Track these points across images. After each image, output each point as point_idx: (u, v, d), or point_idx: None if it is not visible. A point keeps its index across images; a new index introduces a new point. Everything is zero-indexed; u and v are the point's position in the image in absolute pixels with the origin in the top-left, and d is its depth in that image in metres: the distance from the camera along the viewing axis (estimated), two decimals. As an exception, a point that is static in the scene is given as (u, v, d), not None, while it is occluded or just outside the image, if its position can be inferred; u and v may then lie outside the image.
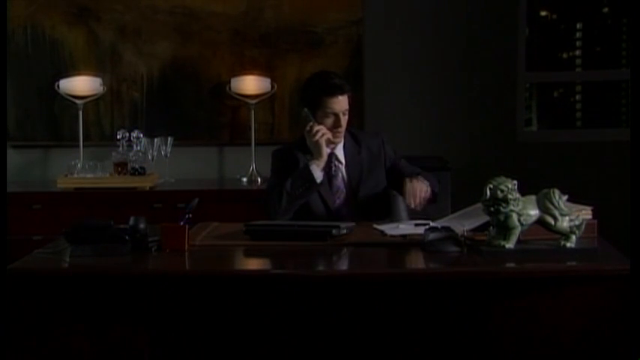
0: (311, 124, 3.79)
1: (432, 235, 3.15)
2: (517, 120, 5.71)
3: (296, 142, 3.94)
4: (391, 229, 3.47)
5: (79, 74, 5.49)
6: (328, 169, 3.87)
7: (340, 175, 3.89)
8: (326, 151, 3.79)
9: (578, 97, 6.08)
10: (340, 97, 3.80)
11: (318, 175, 3.76)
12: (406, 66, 5.61)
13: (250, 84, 5.50)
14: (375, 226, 3.55)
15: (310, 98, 3.84)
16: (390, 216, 3.92)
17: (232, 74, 5.52)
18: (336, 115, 3.80)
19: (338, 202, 3.88)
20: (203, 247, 3.30)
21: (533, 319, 2.86)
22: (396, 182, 3.87)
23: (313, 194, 3.80)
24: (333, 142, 3.84)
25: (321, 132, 3.78)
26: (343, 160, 3.90)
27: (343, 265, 3.28)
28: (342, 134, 3.86)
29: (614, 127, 5.97)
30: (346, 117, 3.83)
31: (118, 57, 5.55)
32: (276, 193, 3.77)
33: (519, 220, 3.03)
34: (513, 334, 2.86)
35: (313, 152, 3.80)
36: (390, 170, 3.92)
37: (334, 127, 3.81)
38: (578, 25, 5.98)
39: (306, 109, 3.82)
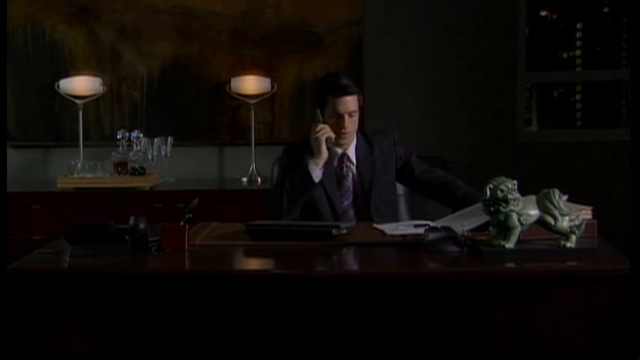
0: (317, 122, 3.80)
1: (432, 235, 3.14)
2: (517, 120, 5.71)
3: (305, 140, 3.94)
4: (391, 229, 3.47)
5: (79, 74, 5.50)
6: (339, 170, 3.87)
7: (351, 175, 3.89)
8: (326, 149, 3.77)
9: (578, 97, 6.08)
10: (347, 98, 3.78)
11: (317, 174, 3.75)
12: (406, 66, 5.61)
13: (250, 84, 5.50)
14: (375, 226, 3.56)
15: (319, 98, 3.84)
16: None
17: (232, 74, 5.53)
18: (341, 116, 3.79)
19: (346, 202, 3.88)
20: (203, 247, 3.30)
21: (532, 319, 2.86)
22: (409, 179, 3.93)
23: (319, 194, 3.80)
24: (336, 144, 3.83)
25: (323, 130, 3.77)
26: (355, 161, 3.89)
27: (343, 265, 3.27)
28: (349, 135, 3.84)
29: (614, 127, 5.97)
30: (353, 118, 3.81)
31: (118, 57, 5.55)
32: (278, 192, 3.77)
33: (519, 220, 3.03)
34: (513, 333, 2.86)
35: (314, 150, 3.79)
36: (401, 169, 3.93)
37: (338, 128, 3.81)
38: (578, 25, 5.97)
39: (318, 110, 3.83)
